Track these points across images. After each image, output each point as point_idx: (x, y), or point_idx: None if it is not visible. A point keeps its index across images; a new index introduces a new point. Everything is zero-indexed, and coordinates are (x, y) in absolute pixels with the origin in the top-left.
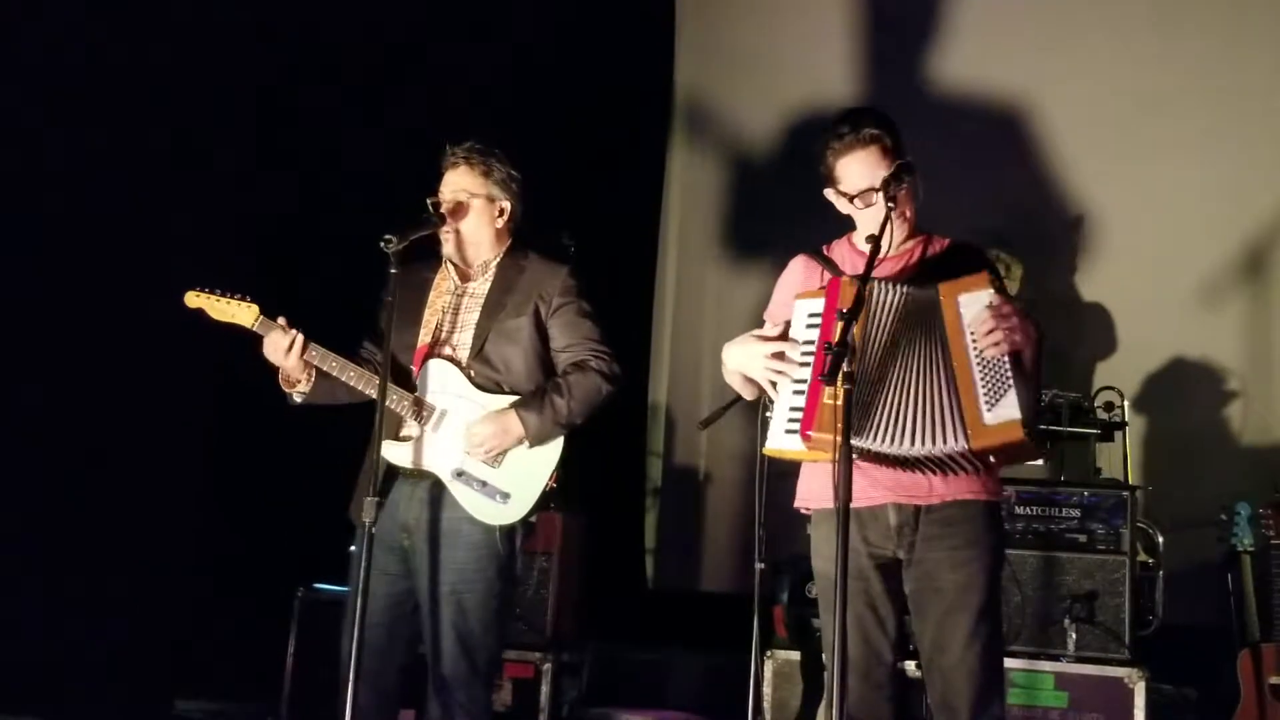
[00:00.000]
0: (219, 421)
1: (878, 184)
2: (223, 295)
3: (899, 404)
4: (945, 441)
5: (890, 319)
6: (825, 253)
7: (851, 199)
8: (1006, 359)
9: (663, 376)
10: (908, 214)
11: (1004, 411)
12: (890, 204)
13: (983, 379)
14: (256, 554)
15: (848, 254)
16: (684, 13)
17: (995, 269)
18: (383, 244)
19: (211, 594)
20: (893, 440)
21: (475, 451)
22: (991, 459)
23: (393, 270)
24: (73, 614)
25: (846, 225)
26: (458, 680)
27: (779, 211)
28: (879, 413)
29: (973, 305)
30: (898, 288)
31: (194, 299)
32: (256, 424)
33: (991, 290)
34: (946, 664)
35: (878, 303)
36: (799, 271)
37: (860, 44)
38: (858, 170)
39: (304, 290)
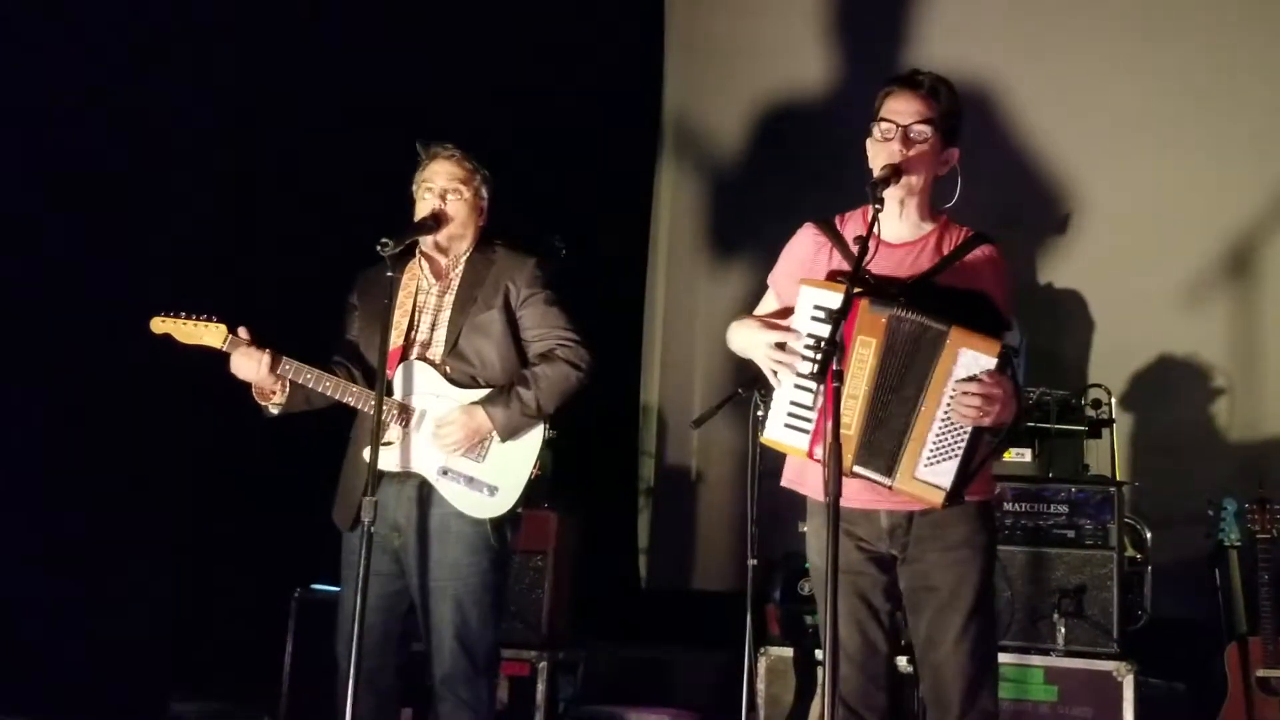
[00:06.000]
0: (214, 420)
1: (901, 122)
2: (189, 318)
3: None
4: (875, 471)
5: (904, 350)
6: (838, 225)
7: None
8: (969, 430)
9: (654, 376)
10: (915, 185)
11: (937, 474)
12: (908, 149)
13: (938, 436)
14: (253, 554)
15: (860, 230)
16: (673, 22)
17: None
18: (379, 247)
19: (207, 595)
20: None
21: (447, 449)
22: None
23: (389, 274)
24: (67, 615)
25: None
26: (460, 677)
27: (764, 212)
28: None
29: (970, 365)
30: (914, 319)
31: (160, 324)
32: (251, 423)
33: (995, 361)
34: (938, 659)
35: (897, 336)
36: (807, 243)
37: (844, 47)
38: (890, 107)
39: (270, 299)
